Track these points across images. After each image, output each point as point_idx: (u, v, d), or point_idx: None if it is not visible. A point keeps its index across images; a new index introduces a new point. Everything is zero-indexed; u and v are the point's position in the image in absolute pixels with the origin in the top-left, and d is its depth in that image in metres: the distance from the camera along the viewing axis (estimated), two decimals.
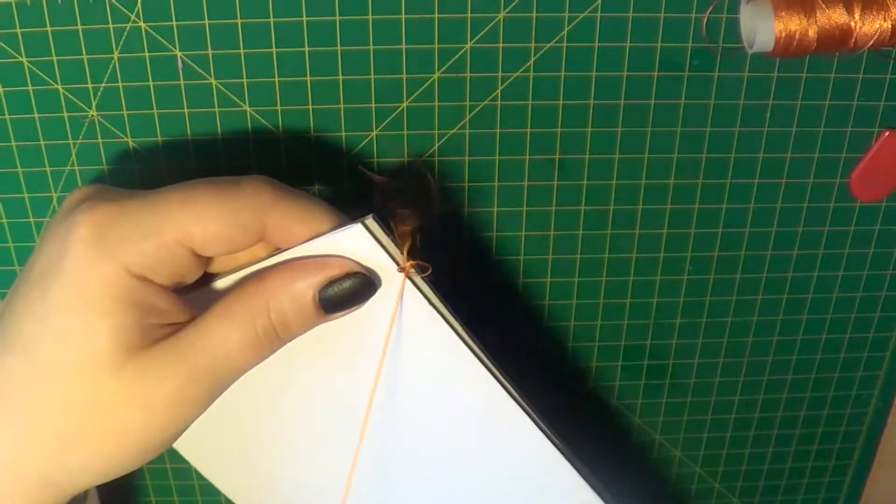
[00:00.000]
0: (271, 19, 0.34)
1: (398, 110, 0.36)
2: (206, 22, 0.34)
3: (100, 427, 0.25)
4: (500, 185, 0.37)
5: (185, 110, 0.35)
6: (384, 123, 0.36)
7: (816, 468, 0.46)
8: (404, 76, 0.35)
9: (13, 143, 0.35)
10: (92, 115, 0.35)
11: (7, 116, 0.35)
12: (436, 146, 0.37)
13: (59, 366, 0.25)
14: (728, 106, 0.37)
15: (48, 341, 0.25)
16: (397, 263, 0.28)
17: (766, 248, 0.40)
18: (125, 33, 0.34)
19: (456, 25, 0.34)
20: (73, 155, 0.36)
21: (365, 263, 0.28)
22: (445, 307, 0.30)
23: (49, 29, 0.33)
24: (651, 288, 0.40)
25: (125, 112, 0.35)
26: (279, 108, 0.35)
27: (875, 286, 0.41)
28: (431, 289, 0.30)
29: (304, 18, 0.34)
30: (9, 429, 0.25)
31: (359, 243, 0.28)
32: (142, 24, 0.34)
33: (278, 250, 0.28)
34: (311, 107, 0.35)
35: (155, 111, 0.35)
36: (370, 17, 0.34)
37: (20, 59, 0.34)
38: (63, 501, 0.27)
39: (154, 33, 0.34)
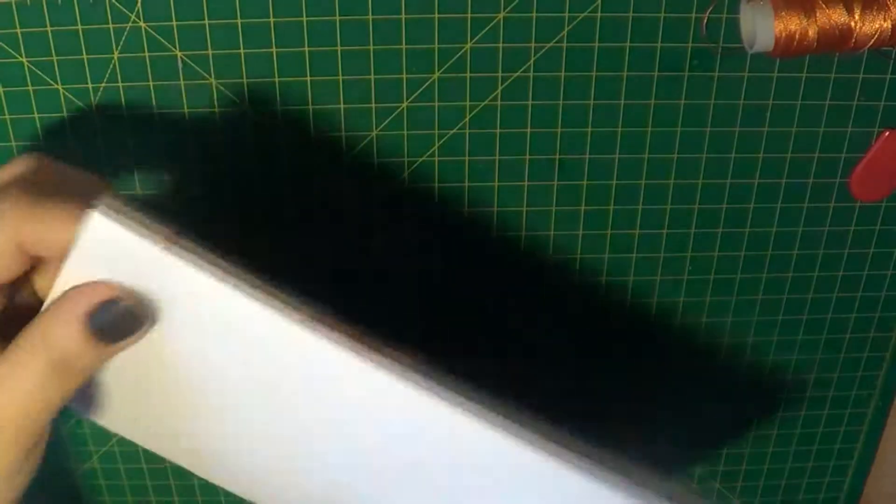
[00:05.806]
0: (271, 19, 0.34)
1: (398, 110, 0.36)
2: (206, 22, 0.34)
3: None
4: (500, 185, 0.37)
5: (186, 110, 0.35)
6: (384, 123, 0.36)
7: (816, 468, 0.46)
8: (404, 76, 0.35)
9: (13, 143, 0.35)
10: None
11: (7, 116, 0.35)
12: (436, 146, 0.37)
13: None
14: (728, 106, 0.37)
15: None
16: (157, 240, 0.23)
17: (766, 249, 0.40)
18: (125, 33, 0.34)
19: (456, 25, 0.34)
20: None
21: (128, 256, 0.23)
22: (228, 264, 0.24)
23: (49, 29, 0.33)
24: (651, 288, 0.40)
25: (125, 112, 0.35)
26: (279, 108, 0.35)
27: (875, 286, 0.41)
28: (205, 249, 0.24)
29: (304, 18, 0.34)
30: None
31: (106, 234, 0.23)
32: (142, 24, 0.34)
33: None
34: (311, 107, 0.35)
35: (155, 111, 0.35)
36: (370, 17, 0.34)
37: (20, 59, 0.34)
38: None
39: (154, 33, 0.34)
